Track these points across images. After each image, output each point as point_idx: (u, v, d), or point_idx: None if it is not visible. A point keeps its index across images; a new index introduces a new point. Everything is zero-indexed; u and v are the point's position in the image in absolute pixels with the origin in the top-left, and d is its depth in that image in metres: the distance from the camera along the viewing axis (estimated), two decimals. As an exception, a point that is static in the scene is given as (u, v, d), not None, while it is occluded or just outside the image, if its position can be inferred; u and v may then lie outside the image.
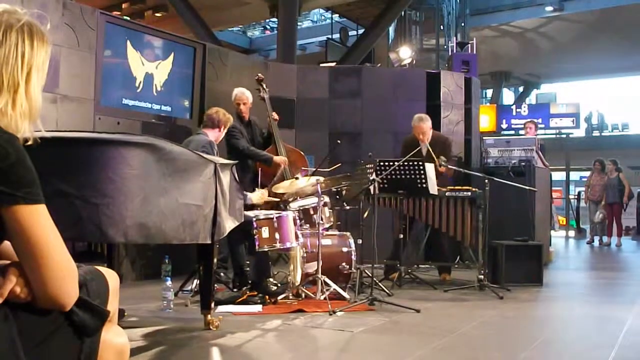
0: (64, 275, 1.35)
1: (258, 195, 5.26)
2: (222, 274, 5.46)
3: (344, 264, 5.26)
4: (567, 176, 19.32)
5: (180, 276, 5.39)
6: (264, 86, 6.43)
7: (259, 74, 6.55)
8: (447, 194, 5.92)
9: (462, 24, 16.88)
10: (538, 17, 18.14)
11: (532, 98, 26.12)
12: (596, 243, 12.50)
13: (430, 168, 5.75)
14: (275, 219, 4.89)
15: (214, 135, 5.23)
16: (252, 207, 5.19)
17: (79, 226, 2.74)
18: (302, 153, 6.55)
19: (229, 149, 5.91)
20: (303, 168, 6.35)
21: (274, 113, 6.31)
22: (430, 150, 6.33)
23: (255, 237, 4.83)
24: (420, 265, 7.02)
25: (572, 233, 15.46)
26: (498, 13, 18.32)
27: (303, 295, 5.01)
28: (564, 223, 16.69)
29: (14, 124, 1.35)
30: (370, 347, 3.72)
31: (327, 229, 5.49)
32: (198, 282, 4.63)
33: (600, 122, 23.97)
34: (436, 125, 8.54)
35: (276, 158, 6.05)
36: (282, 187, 5.62)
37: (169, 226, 3.09)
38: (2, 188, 1.28)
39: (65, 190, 2.71)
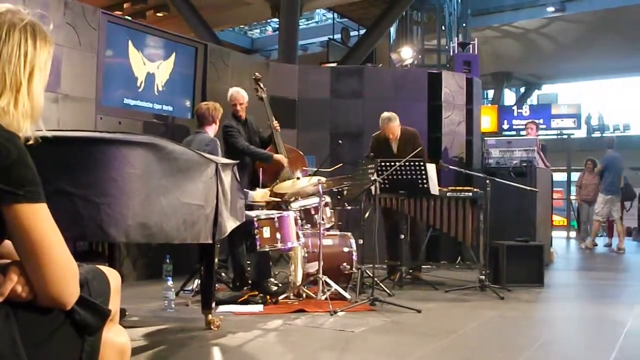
0: (65, 274, 1.35)
1: (261, 194, 5.25)
2: (223, 273, 5.46)
3: (345, 264, 5.26)
4: (569, 177, 19.30)
5: (181, 276, 5.39)
6: (262, 85, 6.41)
7: (256, 73, 6.53)
8: (448, 194, 5.91)
9: (464, 25, 16.88)
10: (539, 18, 18.14)
11: (533, 99, 26.10)
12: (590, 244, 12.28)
13: (431, 168, 5.75)
14: (276, 219, 4.89)
15: (213, 131, 5.22)
16: (251, 207, 5.18)
17: (80, 225, 2.74)
18: (301, 153, 6.55)
19: (227, 148, 5.89)
20: (304, 168, 6.35)
21: (276, 122, 6.30)
22: (402, 146, 6.30)
23: (257, 237, 4.84)
24: (422, 266, 7.00)
25: (573, 234, 15.42)
26: (499, 13, 18.33)
27: (304, 295, 5.01)
28: (565, 224, 16.69)
29: (16, 123, 1.36)
30: (371, 347, 3.72)
31: (328, 229, 5.49)
32: (199, 281, 4.64)
33: (600, 123, 23.95)
34: (437, 126, 8.59)
35: (276, 156, 6.04)
36: (284, 188, 5.62)
37: (170, 226, 3.09)
38: (3, 186, 1.28)
39: (67, 189, 2.71)
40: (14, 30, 1.38)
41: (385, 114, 6.50)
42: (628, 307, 5.23)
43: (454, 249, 7.96)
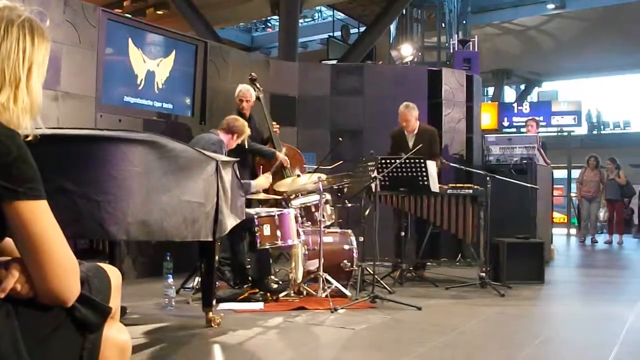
0: (66, 271, 1.35)
1: (262, 180, 5.21)
2: (226, 271, 5.45)
3: (345, 261, 5.26)
4: (569, 174, 19.29)
5: (181, 273, 5.39)
6: (258, 85, 6.45)
7: (252, 73, 6.56)
8: (448, 191, 5.91)
9: (464, 22, 16.86)
10: (540, 15, 18.12)
11: (533, 96, 26.07)
12: (588, 242, 12.25)
13: (431, 166, 5.74)
14: (276, 217, 4.89)
15: (226, 139, 5.21)
16: (250, 201, 5.16)
17: (80, 223, 2.74)
18: (299, 151, 6.58)
19: None
20: (304, 165, 6.38)
21: (275, 124, 6.36)
22: (418, 142, 6.23)
23: (257, 234, 4.84)
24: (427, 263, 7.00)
25: (573, 231, 15.42)
26: (500, 11, 18.32)
27: (304, 292, 5.02)
28: (566, 221, 16.69)
29: (16, 119, 1.36)
30: (372, 344, 3.72)
31: (328, 227, 5.49)
32: (199, 279, 4.64)
33: (598, 120, 23.93)
34: (438, 123, 8.57)
35: (279, 155, 6.10)
36: (284, 185, 5.62)
37: (170, 223, 3.09)
38: (3, 183, 1.28)
39: (67, 187, 2.71)
40: (12, 26, 1.38)
41: (405, 102, 6.55)
42: (629, 304, 5.23)
43: (455, 246, 7.97)
